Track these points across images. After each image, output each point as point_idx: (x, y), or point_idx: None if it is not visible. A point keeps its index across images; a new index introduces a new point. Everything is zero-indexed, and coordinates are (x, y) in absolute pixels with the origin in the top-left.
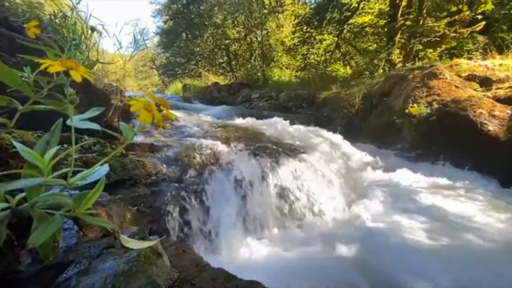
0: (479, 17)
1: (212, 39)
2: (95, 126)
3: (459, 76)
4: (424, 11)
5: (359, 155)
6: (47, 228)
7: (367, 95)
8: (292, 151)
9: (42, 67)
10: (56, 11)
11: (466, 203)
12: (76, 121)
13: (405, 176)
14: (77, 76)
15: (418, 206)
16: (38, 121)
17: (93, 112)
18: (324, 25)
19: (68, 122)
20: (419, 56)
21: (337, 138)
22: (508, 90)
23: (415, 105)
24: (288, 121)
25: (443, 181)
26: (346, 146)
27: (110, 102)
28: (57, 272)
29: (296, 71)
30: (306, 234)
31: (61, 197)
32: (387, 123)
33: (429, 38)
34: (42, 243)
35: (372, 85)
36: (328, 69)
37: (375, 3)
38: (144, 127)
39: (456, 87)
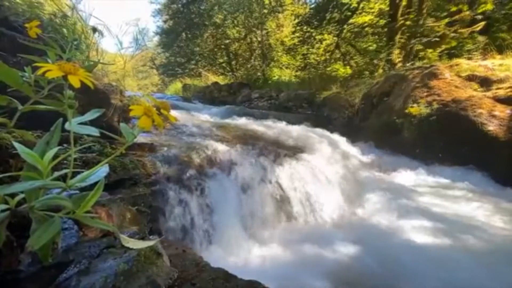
0: (479, 17)
1: (212, 39)
2: (94, 131)
3: (459, 76)
4: (424, 11)
5: (359, 155)
6: (46, 231)
7: (367, 95)
8: (292, 151)
9: (40, 71)
10: (56, 10)
11: (466, 203)
12: (75, 125)
13: (405, 176)
14: (75, 82)
15: (418, 205)
16: (38, 121)
17: (93, 114)
18: (324, 25)
19: (67, 126)
20: (419, 56)
21: (337, 138)
22: (508, 90)
23: (415, 105)
24: (287, 121)
25: (443, 181)
26: (346, 146)
27: (110, 102)
28: (57, 272)
29: (296, 71)
30: (306, 233)
31: (60, 200)
32: (387, 123)
33: (429, 38)
34: (41, 246)
35: (372, 85)
36: (328, 69)
37: (375, 3)
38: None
39: (456, 87)
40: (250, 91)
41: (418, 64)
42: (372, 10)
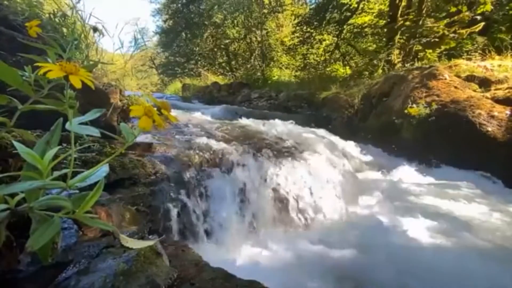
0: (479, 17)
1: (212, 39)
2: (95, 131)
3: (458, 76)
4: (424, 11)
5: (358, 155)
6: (46, 231)
7: (366, 95)
8: (292, 151)
9: (41, 71)
10: (55, 10)
11: (465, 203)
12: (76, 125)
13: (404, 176)
14: (76, 82)
15: (417, 206)
16: (37, 120)
17: (94, 114)
18: (323, 25)
19: (67, 126)
20: (419, 56)
21: (337, 138)
22: (507, 91)
23: (414, 105)
24: (287, 121)
25: (442, 181)
26: (345, 146)
27: (110, 102)
28: (57, 272)
29: (296, 71)
30: (306, 233)
31: (60, 200)
32: (386, 124)
33: (428, 39)
34: (41, 246)
35: (372, 85)
36: (328, 69)
37: (375, 3)
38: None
39: (455, 87)
40: (250, 91)
41: (417, 64)
42: (372, 11)
